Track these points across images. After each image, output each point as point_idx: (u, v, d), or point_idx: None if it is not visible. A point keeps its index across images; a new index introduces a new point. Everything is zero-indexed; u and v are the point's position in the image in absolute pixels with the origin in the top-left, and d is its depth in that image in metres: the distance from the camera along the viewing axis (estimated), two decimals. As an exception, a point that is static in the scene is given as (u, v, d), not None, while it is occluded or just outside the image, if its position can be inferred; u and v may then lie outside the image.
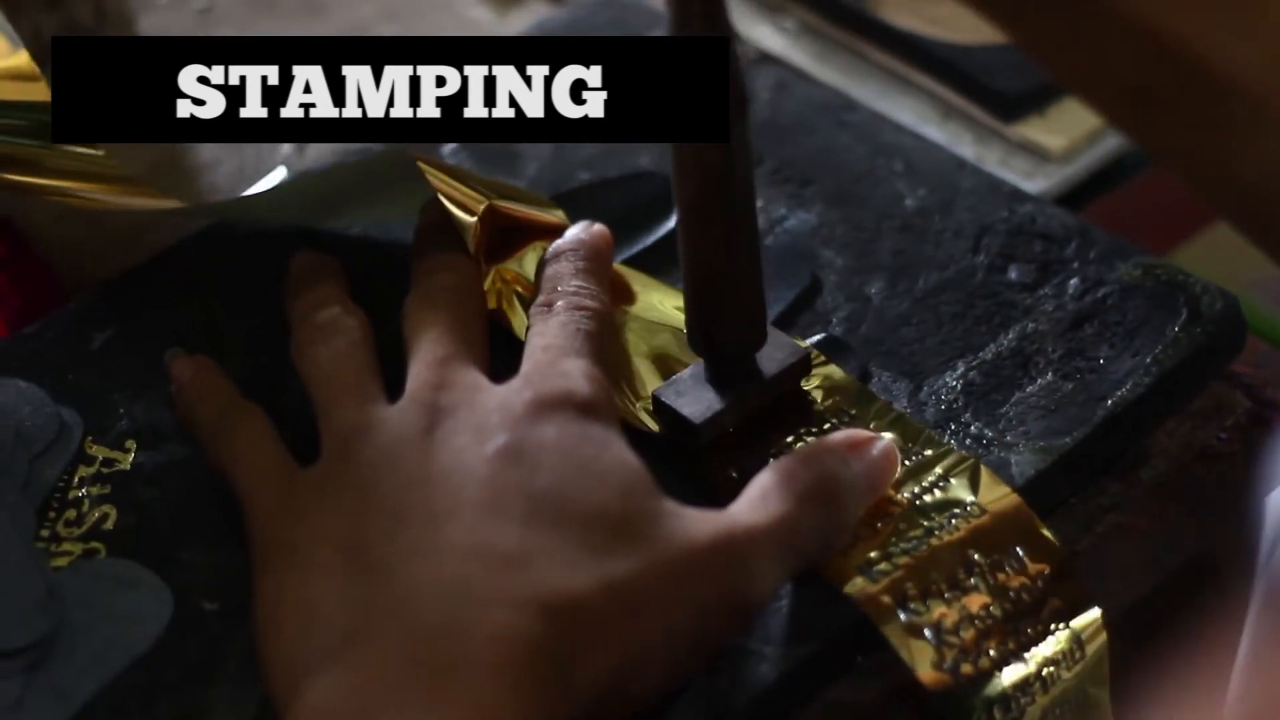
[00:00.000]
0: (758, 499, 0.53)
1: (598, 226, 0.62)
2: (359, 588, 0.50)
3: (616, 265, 0.62)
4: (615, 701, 0.49)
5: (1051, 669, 0.53)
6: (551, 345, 0.55)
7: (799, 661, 0.53)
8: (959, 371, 0.60)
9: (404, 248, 0.62)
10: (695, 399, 0.57)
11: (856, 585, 0.53)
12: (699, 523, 0.51)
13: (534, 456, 0.51)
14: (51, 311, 0.64)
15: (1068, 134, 0.71)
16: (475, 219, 0.60)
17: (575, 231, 0.61)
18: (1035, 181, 0.70)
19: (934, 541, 0.54)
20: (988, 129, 0.72)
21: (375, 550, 0.50)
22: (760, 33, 0.76)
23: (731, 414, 0.58)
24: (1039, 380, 0.60)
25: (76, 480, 0.57)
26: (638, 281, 0.62)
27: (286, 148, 0.73)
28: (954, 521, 0.55)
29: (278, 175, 0.70)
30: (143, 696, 0.52)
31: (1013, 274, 0.64)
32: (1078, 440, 0.58)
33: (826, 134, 0.69)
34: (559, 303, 0.58)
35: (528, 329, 0.58)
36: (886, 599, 0.53)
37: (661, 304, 0.62)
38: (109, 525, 0.56)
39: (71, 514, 0.57)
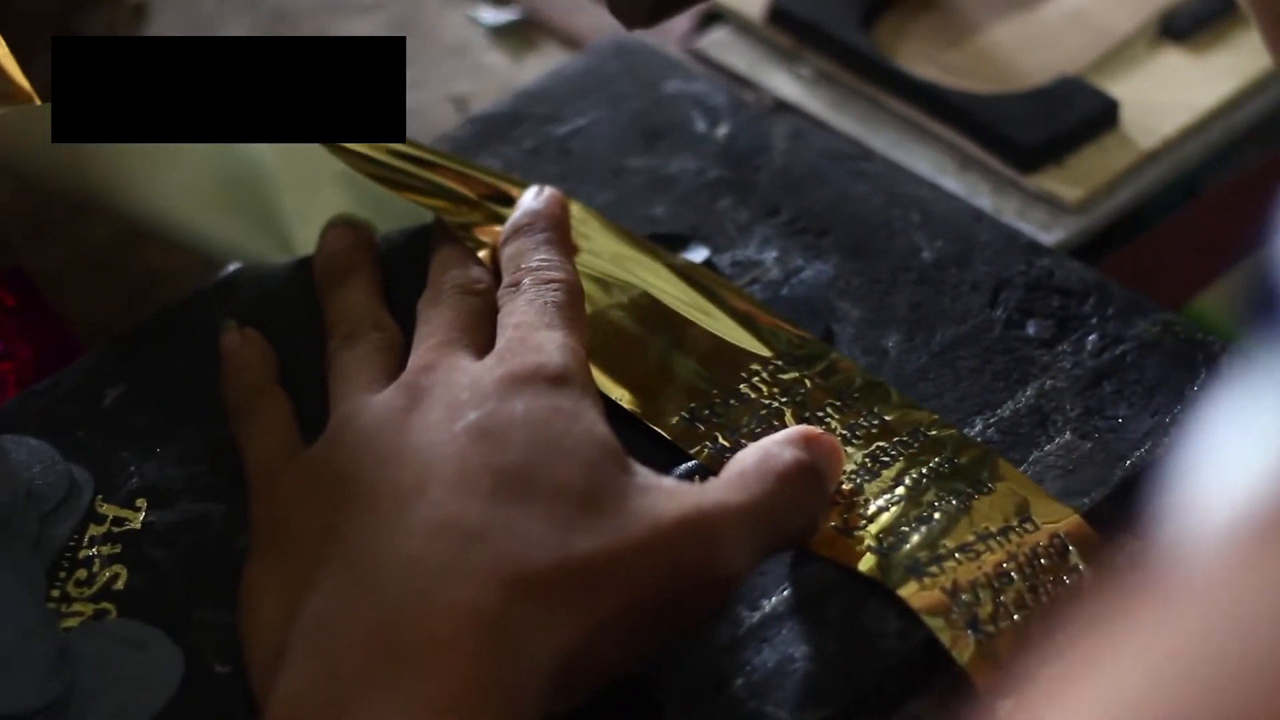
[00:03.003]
0: (736, 478, 0.53)
1: (549, 191, 0.62)
2: (329, 572, 0.50)
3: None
4: (580, 675, 0.50)
5: None
6: (522, 322, 0.56)
7: (815, 726, 0.53)
8: (977, 429, 0.60)
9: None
10: None
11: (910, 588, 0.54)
12: (669, 498, 0.51)
13: (502, 432, 0.52)
14: (62, 360, 0.64)
15: (1085, 185, 0.71)
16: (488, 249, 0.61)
17: (529, 203, 0.62)
18: (1053, 232, 0.70)
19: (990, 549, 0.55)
20: (1005, 179, 0.72)
21: (347, 533, 0.51)
22: (776, 80, 0.76)
23: None
24: (1057, 439, 0.60)
25: (87, 539, 0.57)
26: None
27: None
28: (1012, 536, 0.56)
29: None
30: (154, 763, 0.52)
31: (1030, 329, 0.63)
32: (1096, 501, 0.58)
33: (843, 184, 0.69)
34: (524, 280, 0.58)
35: (498, 306, 0.58)
36: (939, 595, 0.54)
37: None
38: (120, 585, 0.56)
39: (82, 574, 0.56)
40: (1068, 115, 0.72)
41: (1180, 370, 0.61)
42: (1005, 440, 0.59)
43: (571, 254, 0.60)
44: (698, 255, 0.65)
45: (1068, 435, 0.60)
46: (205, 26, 0.79)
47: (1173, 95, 0.74)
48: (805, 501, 0.54)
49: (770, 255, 0.66)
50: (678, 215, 0.67)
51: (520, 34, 0.81)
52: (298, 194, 0.64)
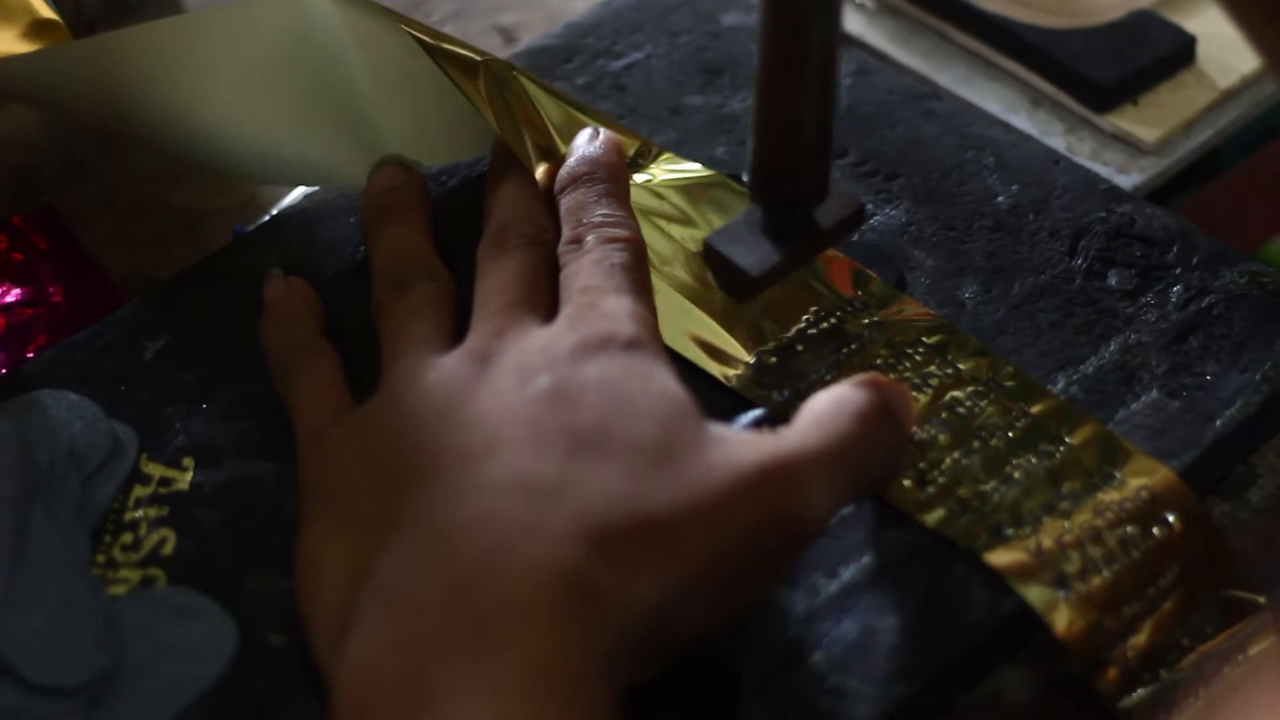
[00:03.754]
0: (810, 422, 0.50)
1: (605, 135, 0.59)
2: (397, 536, 0.48)
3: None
4: (668, 633, 0.47)
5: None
6: (590, 286, 0.53)
7: (898, 702, 0.50)
8: (1059, 386, 0.57)
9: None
10: (750, 248, 0.56)
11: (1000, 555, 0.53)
12: (746, 448, 0.49)
13: (576, 396, 0.50)
14: (97, 307, 0.62)
15: (1163, 125, 0.68)
16: (543, 169, 0.59)
17: (585, 148, 0.59)
18: (1130, 175, 0.67)
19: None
20: (1079, 119, 0.69)
21: (412, 496, 0.48)
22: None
23: (787, 265, 0.57)
24: (1143, 397, 0.57)
25: (132, 501, 0.54)
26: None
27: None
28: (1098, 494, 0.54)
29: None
30: (208, 740, 0.49)
31: (1112, 280, 0.60)
32: (1186, 464, 0.55)
33: (912, 124, 0.66)
34: (589, 237, 0.55)
35: (559, 263, 0.56)
36: (1026, 557, 0.52)
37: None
38: (168, 550, 0.53)
39: (128, 538, 0.54)
40: (1144, 52, 0.69)
41: (1270, 324, 0.59)
42: (1090, 399, 0.57)
43: (630, 208, 0.58)
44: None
45: (1154, 393, 0.57)
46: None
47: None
48: (884, 442, 0.51)
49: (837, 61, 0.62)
50: (740, 156, 0.64)
51: (568, -40, 0.78)
52: (375, 99, 0.61)
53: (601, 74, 0.68)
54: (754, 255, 0.56)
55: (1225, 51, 0.70)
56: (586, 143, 0.59)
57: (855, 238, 0.62)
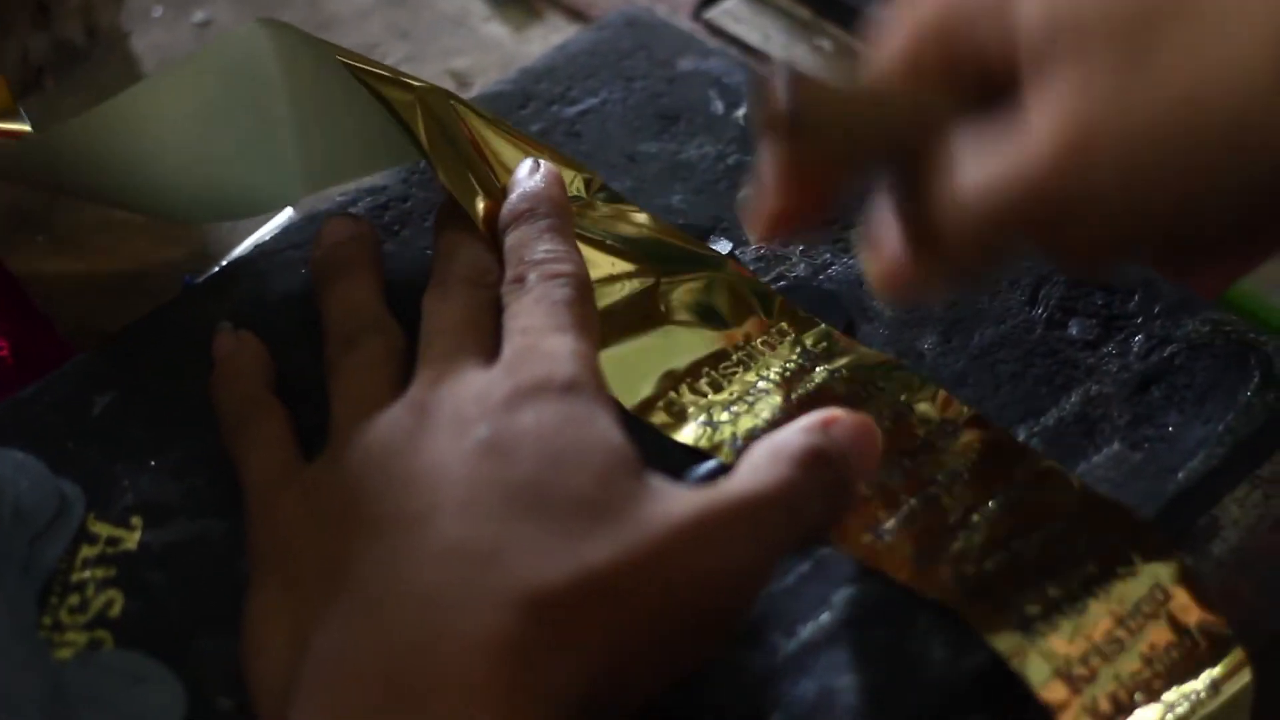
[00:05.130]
0: (747, 470, 0.50)
1: (546, 168, 0.59)
2: (335, 605, 0.47)
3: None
4: (614, 694, 0.46)
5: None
6: (529, 326, 0.53)
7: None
8: (1020, 439, 0.57)
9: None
10: None
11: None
12: (682, 500, 0.48)
13: (511, 446, 0.49)
14: (45, 360, 0.61)
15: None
16: (483, 206, 0.58)
17: (525, 183, 0.58)
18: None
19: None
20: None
21: (353, 562, 0.48)
22: (795, 54, 0.72)
23: None
24: (1105, 449, 0.57)
25: (79, 562, 0.53)
26: None
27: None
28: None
29: (284, 216, 0.66)
30: (156, 810, 0.48)
31: (1073, 329, 0.60)
32: (1148, 517, 0.55)
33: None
34: (531, 275, 0.54)
35: (503, 304, 0.55)
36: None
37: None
38: (115, 612, 0.52)
39: (75, 599, 0.53)
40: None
41: (1232, 374, 0.58)
42: (1051, 451, 0.56)
43: (574, 242, 0.57)
44: (720, 250, 0.61)
45: (1116, 445, 0.57)
46: (187, 5, 0.75)
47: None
48: (823, 487, 0.50)
49: (796, 249, 0.62)
50: (697, 205, 0.64)
51: (523, 4, 0.77)
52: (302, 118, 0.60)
53: (556, 120, 0.67)
54: None
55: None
56: (527, 176, 0.58)
57: (812, 282, 0.61)
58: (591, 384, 0.51)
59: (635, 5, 0.72)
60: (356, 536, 0.48)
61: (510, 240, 0.57)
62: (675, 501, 0.48)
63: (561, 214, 0.57)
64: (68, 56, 0.68)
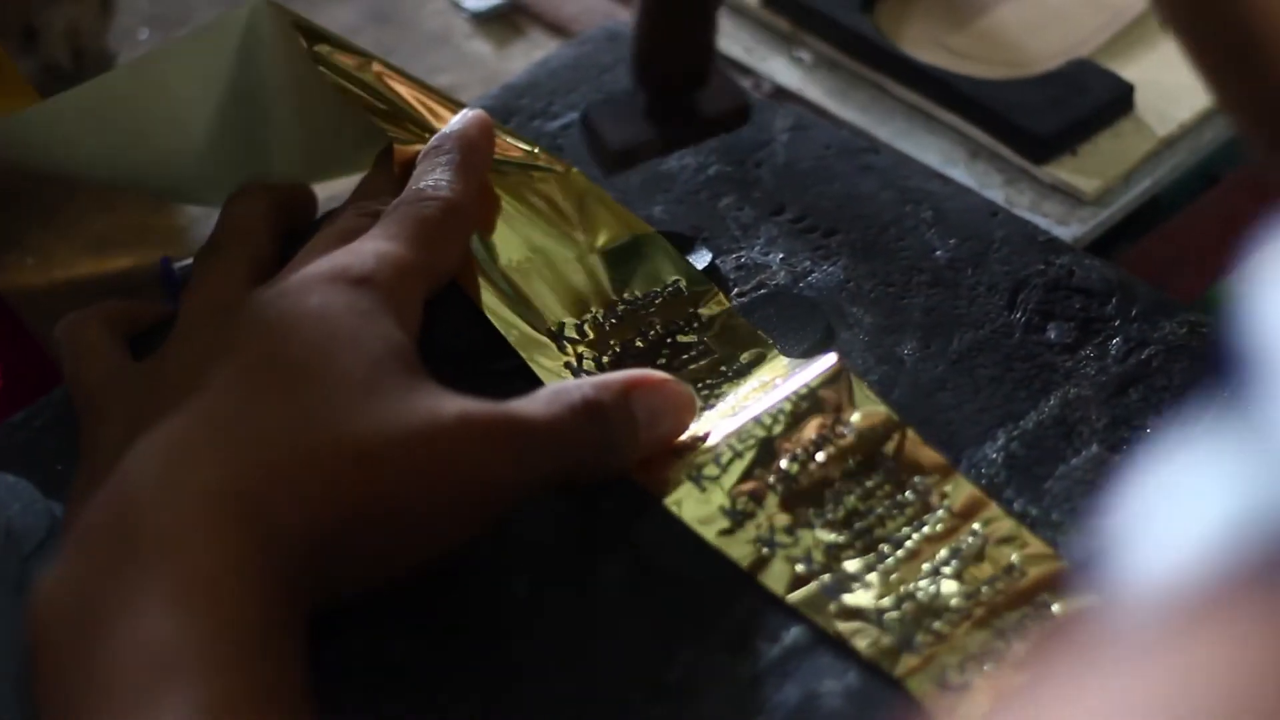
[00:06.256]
0: (529, 400, 0.52)
1: (474, 114, 0.60)
2: (90, 470, 0.51)
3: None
4: (338, 565, 0.49)
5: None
6: (369, 234, 0.55)
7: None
8: (999, 443, 0.57)
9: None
10: (623, 124, 0.57)
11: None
12: (454, 402, 0.51)
13: (290, 323, 0.51)
14: (36, 382, 0.61)
15: (1102, 175, 0.68)
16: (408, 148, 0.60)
17: (453, 124, 0.60)
18: (1069, 226, 0.67)
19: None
20: (1018, 170, 0.69)
21: (139, 434, 0.50)
22: (774, 66, 0.73)
23: (657, 145, 0.58)
24: (1084, 452, 0.57)
25: (69, 582, 0.54)
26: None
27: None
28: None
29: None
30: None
31: (1051, 333, 0.60)
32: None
33: (849, 179, 0.66)
34: (404, 198, 0.57)
35: None
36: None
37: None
38: (104, 630, 0.53)
39: (64, 618, 0.53)
40: (1082, 101, 0.69)
41: (1209, 375, 0.59)
42: (1030, 455, 0.57)
43: (477, 176, 0.59)
44: (701, 259, 0.62)
45: (1095, 448, 0.57)
46: (179, 17, 0.76)
47: (1189, 77, 0.71)
48: (590, 440, 0.53)
49: (777, 257, 0.63)
50: (678, 215, 0.64)
51: (505, 20, 0.77)
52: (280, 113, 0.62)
53: (539, 135, 0.67)
54: (624, 132, 0.57)
55: (1163, 99, 0.70)
56: (458, 120, 0.60)
57: (792, 290, 0.62)
58: (388, 284, 0.53)
59: (616, 20, 0.73)
60: (149, 409, 0.51)
61: (416, 169, 0.59)
62: (444, 401, 0.51)
63: (469, 150, 0.59)
64: (55, 79, 0.68)
